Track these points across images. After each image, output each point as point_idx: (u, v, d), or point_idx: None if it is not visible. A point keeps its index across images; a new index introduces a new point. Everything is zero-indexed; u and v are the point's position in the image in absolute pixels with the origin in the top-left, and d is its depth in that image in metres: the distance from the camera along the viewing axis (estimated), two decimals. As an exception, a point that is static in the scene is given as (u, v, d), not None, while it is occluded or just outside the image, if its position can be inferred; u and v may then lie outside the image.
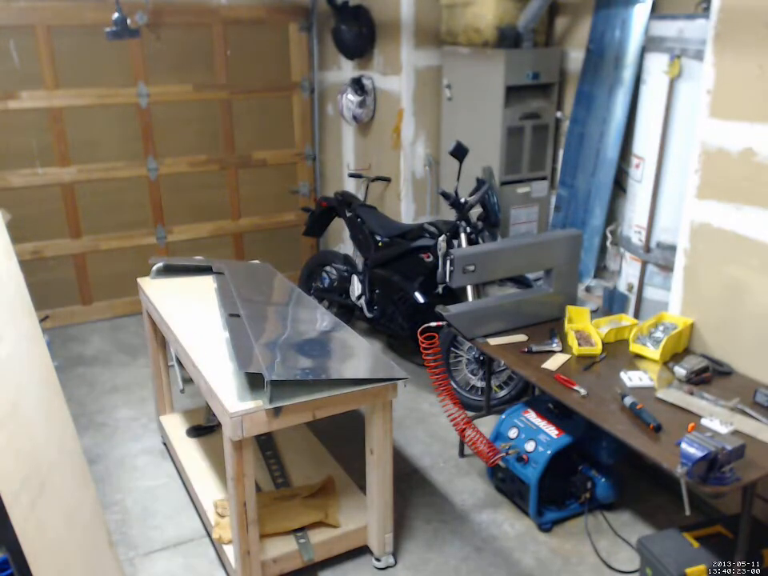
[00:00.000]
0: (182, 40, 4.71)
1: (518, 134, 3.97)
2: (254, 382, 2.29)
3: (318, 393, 2.27)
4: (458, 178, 3.62)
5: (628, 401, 2.43)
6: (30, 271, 2.08)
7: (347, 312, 4.43)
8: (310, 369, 2.36)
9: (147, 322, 3.24)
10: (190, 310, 2.92)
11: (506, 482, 3.01)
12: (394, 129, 4.49)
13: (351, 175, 4.81)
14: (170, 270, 3.31)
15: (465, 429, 3.00)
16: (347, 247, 4.99)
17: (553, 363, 2.75)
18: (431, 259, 3.71)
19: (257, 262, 3.66)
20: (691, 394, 2.50)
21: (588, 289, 3.79)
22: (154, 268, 3.29)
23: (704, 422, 2.31)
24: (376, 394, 2.39)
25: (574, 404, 2.50)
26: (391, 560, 2.69)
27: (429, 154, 4.56)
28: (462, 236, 3.60)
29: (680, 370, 2.61)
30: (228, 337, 2.58)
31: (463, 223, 3.60)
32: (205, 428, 3.29)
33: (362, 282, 4.22)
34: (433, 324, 2.97)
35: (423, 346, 2.94)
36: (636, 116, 3.33)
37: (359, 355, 2.61)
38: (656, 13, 3.35)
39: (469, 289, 3.45)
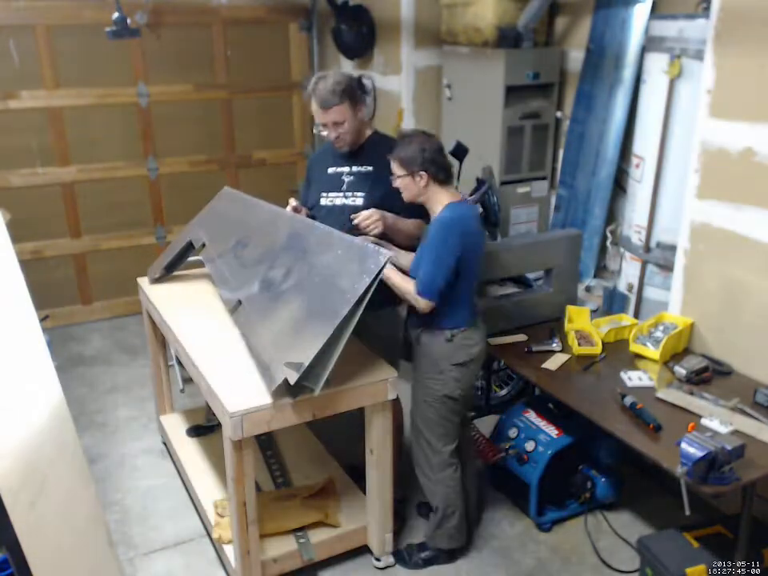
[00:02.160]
0: (182, 40, 4.71)
1: (518, 134, 3.96)
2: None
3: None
4: (458, 178, 3.61)
5: (628, 401, 2.43)
6: (30, 271, 2.08)
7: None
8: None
9: (147, 321, 3.24)
10: (189, 309, 2.91)
11: (506, 481, 3.01)
12: (394, 128, 4.48)
13: (351, 175, 4.80)
14: (169, 268, 3.29)
15: (465, 429, 2.99)
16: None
17: (553, 363, 2.75)
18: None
19: (227, 189, 3.48)
20: (691, 393, 2.50)
21: (588, 289, 3.79)
22: (153, 276, 3.25)
23: (704, 421, 2.31)
24: (375, 393, 2.39)
25: (574, 404, 2.50)
26: (391, 560, 2.69)
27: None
28: (462, 236, 3.59)
29: (680, 370, 2.61)
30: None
31: (463, 223, 3.59)
32: (205, 428, 3.29)
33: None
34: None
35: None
36: (636, 116, 3.33)
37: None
38: (656, 13, 3.35)
39: (469, 289, 3.45)
